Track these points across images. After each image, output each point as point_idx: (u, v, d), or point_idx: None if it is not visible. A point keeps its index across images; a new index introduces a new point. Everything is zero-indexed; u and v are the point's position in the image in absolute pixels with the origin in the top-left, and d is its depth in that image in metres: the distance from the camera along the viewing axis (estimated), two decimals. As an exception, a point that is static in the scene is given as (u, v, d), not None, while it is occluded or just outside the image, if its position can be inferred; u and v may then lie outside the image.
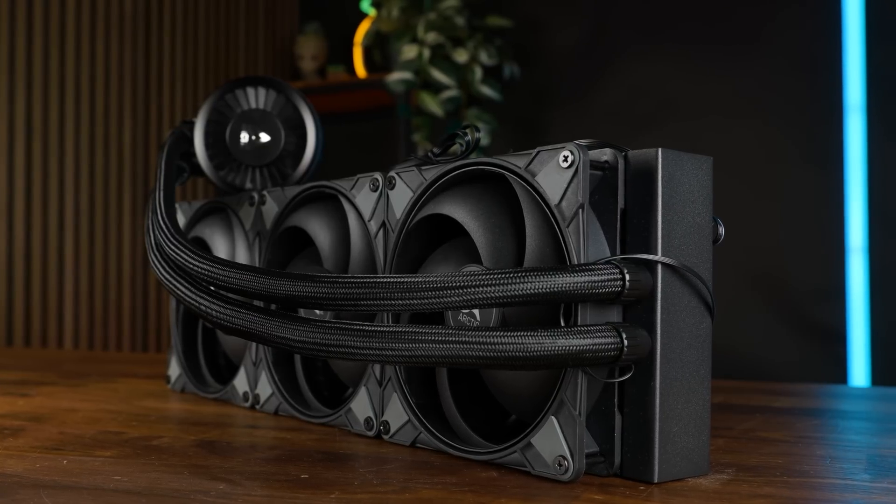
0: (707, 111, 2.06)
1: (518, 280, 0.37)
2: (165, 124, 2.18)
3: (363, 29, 2.41)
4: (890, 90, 1.89)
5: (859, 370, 1.89)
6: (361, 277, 0.40)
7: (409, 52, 2.10)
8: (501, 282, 0.37)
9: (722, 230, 0.43)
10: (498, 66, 2.19)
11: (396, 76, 2.10)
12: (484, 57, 2.12)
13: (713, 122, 2.04)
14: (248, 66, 2.52)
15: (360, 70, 2.47)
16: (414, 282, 0.39)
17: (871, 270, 1.89)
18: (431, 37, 2.09)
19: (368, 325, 0.39)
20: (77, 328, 1.93)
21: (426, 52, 2.09)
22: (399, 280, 0.39)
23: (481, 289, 0.38)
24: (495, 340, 0.37)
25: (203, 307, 0.46)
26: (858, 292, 1.90)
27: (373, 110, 2.47)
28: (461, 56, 2.09)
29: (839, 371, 1.92)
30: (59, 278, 1.89)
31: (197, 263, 0.48)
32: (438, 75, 2.08)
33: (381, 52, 2.38)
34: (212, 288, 0.47)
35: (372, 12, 2.35)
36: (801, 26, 1.98)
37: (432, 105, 2.08)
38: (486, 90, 2.11)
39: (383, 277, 0.40)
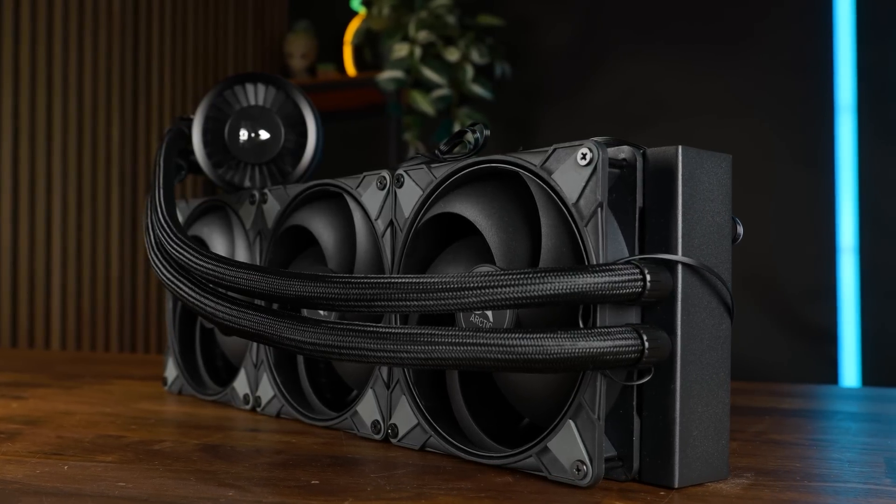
0: (698, 110, 2.05)
1: (538, 280, 0.36)
2: (154, 123, 2.16)
3: (353, 27, 2.40)
4: (880, 91, 1.90)
5: (850, 370, 1.90)
6: (375, 278, 0.39)
7: (400, 50, 2.08)
8: (521, 282, 0.36)
9: (740, 229, 0.42)
10: (489, 65, 2.18)
11: (387, 75, 2.09)
12: (475, 56, 2.11)
13: (704, 122, 2.04)
14: (237, 65, 2.50)
15: (351, 68, 2.45)
16: (430, 282, 0.37)
17: (861, 270, 1.90)
18: (422, 35, 2.08)
19: (382, 327, 0.38)
20: (64, 328, 1.90)
21: (417, 51, 2.08)
22: (415, 280, 0.38)
23: (500, 289, 0.37)
24: (514, 343, 0.36)
25: (208, 308, 0.44)
26: (849, 292, 1.90)
27: (363, 109, 2.46)
28: (452, 55, 2.08)
29: (830, 371, 1.92)
30: (46, 278, 1.87)
31: (201, 263, 0.46)
32: (430, 74, 2.07)
33: (371, 50, 2.36)
34: (210, 286, 0.46)
35: (362, 10, 2.34)
36: (792, 26, 1.98)
37: (423, 104, 2.07)
38: (478, 89, 2.10)
39: (398, 278, 0.38)
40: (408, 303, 0.38)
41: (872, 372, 1.88)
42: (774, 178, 1.97)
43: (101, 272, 2.00)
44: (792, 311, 1.96)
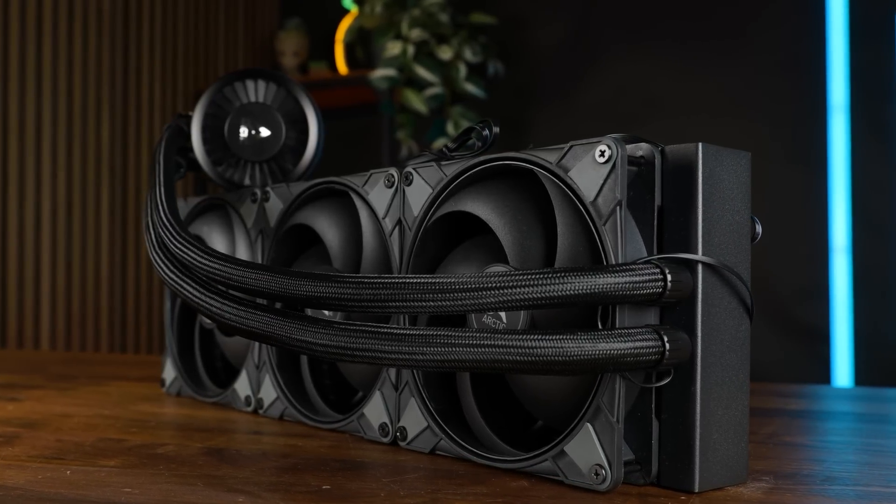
0: (691, 109, 2.05)
1: (557, 280, 0.35)
2: (144, 122, 2.14)
3: (345, 25, 2.38)
4: (873, 90, 1.90)
5: (843, 370, 1.90)
6: (389, 278, 0.38)
7: (393, 48, 2.07)
8: (539, 282, 0.36)
9: (759, 228, 0.41)
10: (482, 64, 2.17)
11: (380, 73, 2.08)
12: (468, 54, 2.10)
13: (697, 121, 2.04)
14: (227, 64, 2.48)
15: (343, 67, 2.44)
16: (446, 282, 0.37)
17: (854, 270, 1.90)
18: (415, 33, 2.07)
19: (397, 329, 0.37)
20: (54, 329, 1.88)
21: (410, 49, 2.06)
22: (430, 280, 0.37)
23: (518, 289, 0.36)
24: (533, 344, 0.35)
25: (214, 308, 0.43)
26: (842, 292, 1.90)
27: (355, 107, 2.44)
28: (445, 53, 2.07)
29: (823, 371, 1.92)
30: (35, 277, 1.84)
31: (206, 262, 0.45)
32: (422, 72, 2.06)
33: (363, 48, 2.35)
34: (213, 285, 0.45)
35: (354, 8, 2.32)
36: (784, 25, 1.98)
37: (416, 102, 2.05)
38: (471, 87, 2.09)
39: (412, 278, 0.37)
40: (423, 303, 0.37)
41: (865, 372, 1.88)
42: (767, 178, 1.97)
43: (91, 272, 1.98)
44: (785, 311, 1.96)
